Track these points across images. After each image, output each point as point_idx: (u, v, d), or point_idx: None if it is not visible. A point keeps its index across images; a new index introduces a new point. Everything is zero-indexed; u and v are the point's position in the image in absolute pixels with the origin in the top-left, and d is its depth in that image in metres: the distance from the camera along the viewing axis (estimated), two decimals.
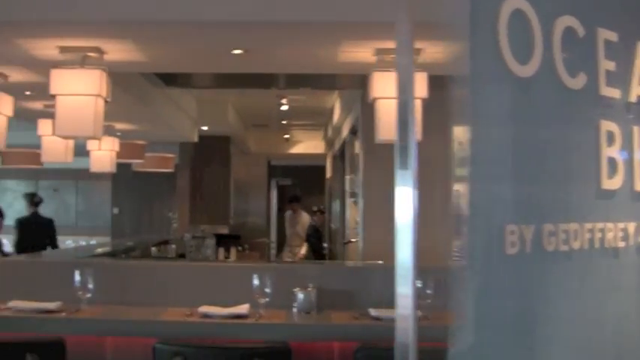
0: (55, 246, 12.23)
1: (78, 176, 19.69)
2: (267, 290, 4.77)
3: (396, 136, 2.02)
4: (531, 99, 1.96)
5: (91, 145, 9.58)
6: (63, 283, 4.94)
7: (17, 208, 13.99)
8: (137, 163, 12.63)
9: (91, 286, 4.81)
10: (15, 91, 6.91)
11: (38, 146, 8.60)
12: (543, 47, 1.98)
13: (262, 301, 4.77)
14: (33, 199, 12.51)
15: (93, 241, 14.25)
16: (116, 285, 5.21)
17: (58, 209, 20.82)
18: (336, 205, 14.26)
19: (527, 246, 1.87)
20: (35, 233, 11.88)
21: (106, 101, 5.77)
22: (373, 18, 4.86)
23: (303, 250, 15.15)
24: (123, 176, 14.91)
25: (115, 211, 18.71)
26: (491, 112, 1.85)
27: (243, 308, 4.75)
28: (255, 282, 4.78)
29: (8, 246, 11.46)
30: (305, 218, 15.97)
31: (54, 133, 7.95)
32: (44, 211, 12.55)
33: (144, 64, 6.33)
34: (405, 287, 1.93)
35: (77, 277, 4.81)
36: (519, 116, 1.94)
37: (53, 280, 5.27)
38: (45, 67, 5.84)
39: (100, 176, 15.87)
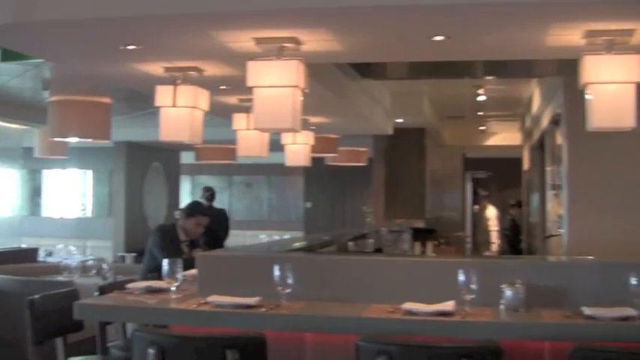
0: (226, 235, 12.66)
1: (270, 171, 20.08)
2: (473, 287, 4.53)
3: None
4: None
5: (286, 139, 9.60)
6: (262, 278, 4.86)
7: None
8: (330, 157, 12.65)
9: (290, 281, 4.70)
10: (210, 85, 6.93)
11: (232, 142, 8.64)
12: None
13: (468, 297, 4.54)
14: (213, 193, 12.99)
15: (286, 236, 14.37)
16: (316, 280, 5.09)
17: (250, 204, 21.32)
18: (534, 198, 13.87)
19: None
20: (214, 224, 12.22)
21: (303, 92, 5.68)
22: None
23: (495, 247, 14.85)
24: (315, 170, 14.98)
25: (308, 205, 18.87)
26: None
27: (449, 305, 4.52)
28: (461, 278, 4.55)
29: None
30: (491, 213, 15.60)
31: (249, 127, 8.03)
32: (237, 205, 12.86)
33: (340, 53, 6.18)
34: None
35: (277, 272, 4.71)
36: None
37: (252, 275, 5.21)
38: (240, 59, 5.80)
39: (292, 171, 16.11)
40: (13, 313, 5.75)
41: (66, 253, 11.70)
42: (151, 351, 3.99)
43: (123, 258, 13.08)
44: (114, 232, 16.02)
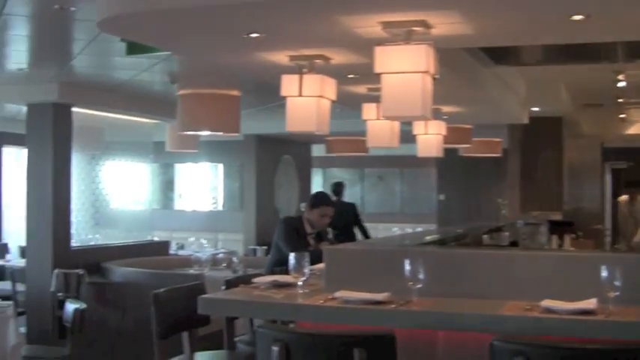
0: (363, 230, 12.99)
1: (403, 163, 20.01)
2: (617, 283, 4.21)
3: None
4: None
5: (418, 129, 9.43)
6: (392, 273, 4.68)
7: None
8: (464, 148, 12.44)
9: (421, 276, 4.48)
10: (337, 74, 6.79)
11: (363, 134, 8.50)
12: None
13: (612, 295, 4.23)
14: (337, 187, 13.19)
15: (419, 229, 14.20)
16: (448, 275, 4.86)
17: (383, 196, 21.31)
18: None
19: None
20: (343, 218, 12.21)
21: (433, 79, 5.47)
22: None
23: (638, 237, 14.34)
24: (448, 162, 14.83)
25: (441, 197, 18.62)
26: None
27: (591, 303, 4.23)
28: (604, 274, 4.24)
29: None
30: None
31: (379, 117, 7.86)
32: (369, 198, 12.89)
33: (471, 37, 5.94)
34: None
35: (407, 266, 4.49)
36: None
37: (382, 269, 5.02)
38: (367, 45, 5.63)
39: (424, 163, 15.94)
40: (144, 306, 5.73)
41: (197, 246, 11.82)
42: (275, 348, 3.84)
43: (254, 251, 13.14)
44: (245, 225, 16.16)
